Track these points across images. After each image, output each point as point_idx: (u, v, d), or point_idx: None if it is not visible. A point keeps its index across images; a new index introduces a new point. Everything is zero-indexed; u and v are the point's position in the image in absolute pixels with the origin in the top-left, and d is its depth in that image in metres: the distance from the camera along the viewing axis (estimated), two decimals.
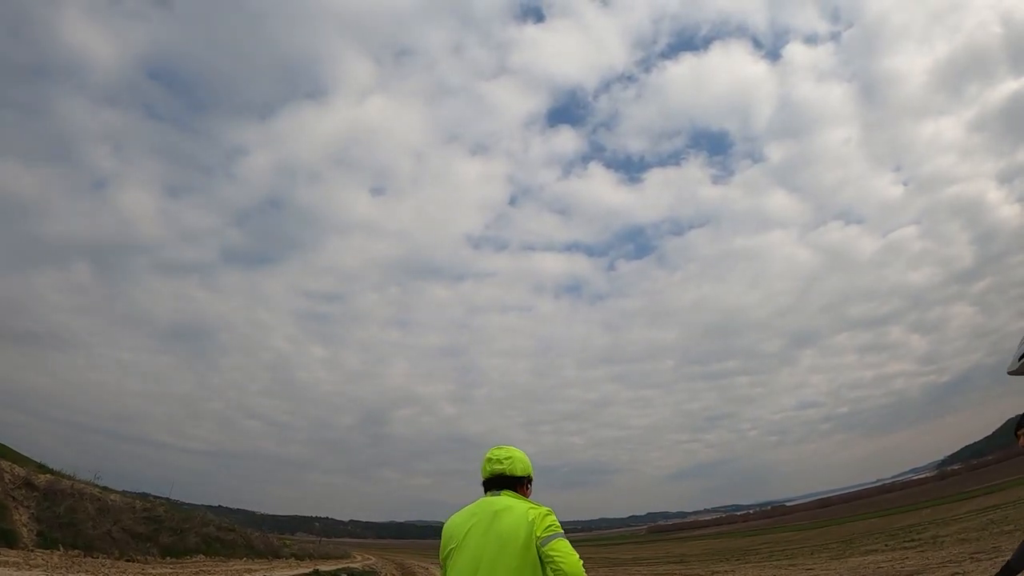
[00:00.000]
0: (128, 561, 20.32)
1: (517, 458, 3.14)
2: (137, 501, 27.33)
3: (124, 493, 28.42)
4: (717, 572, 26.99)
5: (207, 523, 30.64)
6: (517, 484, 3.10)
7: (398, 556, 76.50)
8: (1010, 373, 1.98)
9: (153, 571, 19.99)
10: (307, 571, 28.55)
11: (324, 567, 34.80)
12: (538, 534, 2.77)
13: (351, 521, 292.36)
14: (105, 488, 26.64)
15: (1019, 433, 3.15)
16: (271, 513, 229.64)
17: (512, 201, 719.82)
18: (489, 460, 3.14)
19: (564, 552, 2.71)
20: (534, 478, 3.20)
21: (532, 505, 2.92)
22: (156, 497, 37.25)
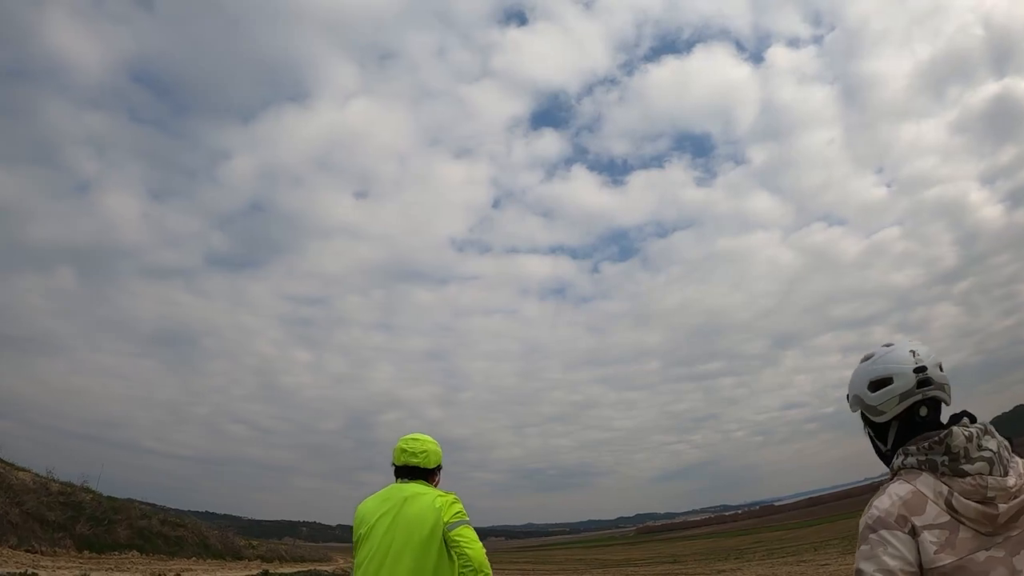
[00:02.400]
0: (28, 552, 16.98)
1: (432, 451, 3.26)
2: (53, 483, 23.64)
3: (46, 476, 24.56)
4: (723, 571, 25.04)
5: (146, 515, 26.89)
6: (428, 475, 3.24)
7: None
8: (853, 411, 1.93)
9: (51, 563, 16.48)
10: (253, 573, 25.78)
11: (285, 569, 32.29)
12: (445, 519, 2.96)
13: (339, 526, 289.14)
14: (10, 464, 23.35)
15: None
16: (257, 518, 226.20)
17: (496, 204, 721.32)
18: (404, 451, 3.23)
19: (469, 538, 2.94)
20: (443, 467, 3.34)
21: (440, 493, 3.10)
22: (142, 502, 34.35)
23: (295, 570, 32.94)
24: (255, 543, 41.10)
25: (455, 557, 2.92)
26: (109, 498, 25.60)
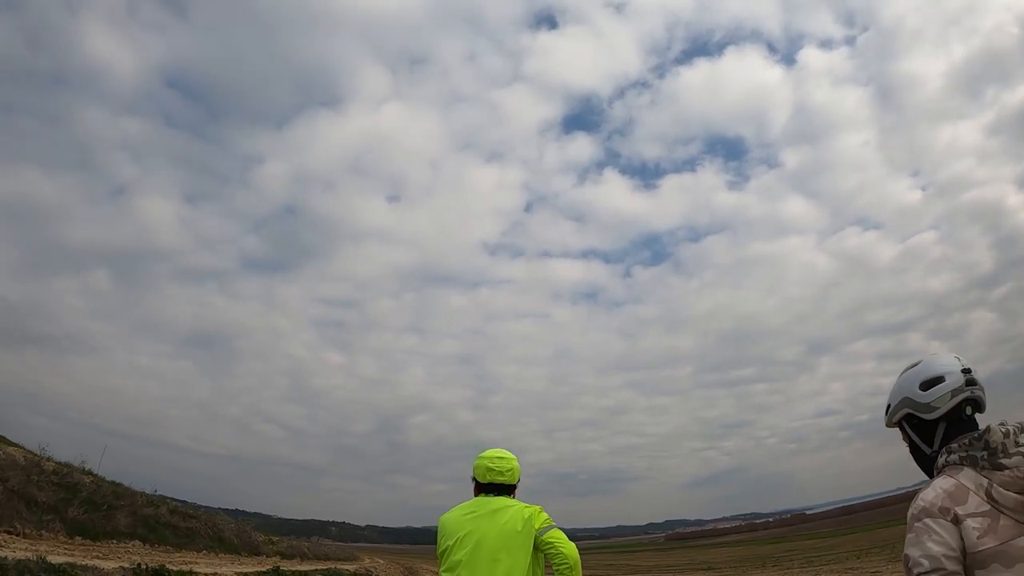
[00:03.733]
0: (7, 533, 15.43)
1: (516, 468, 3.42)
2: (48, 462, 22.03)
3: (39, 454, 22.91)
4: None
5: (153, 504, 25.07)
6: (512, 490, 3.42)
7: (408, 560, 74.59)
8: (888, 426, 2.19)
9: (29, 546, 14.54)
10: (263, 569, 24.20)
11: (304, 567, 31.49)
12: (537, 526, 3.19)
13: (368, 526, 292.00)
14: (2, 438, 22.13)
15: None
16: (288, 517, 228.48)
17: (528, 208, 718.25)
18: (490, 470, 3.38)
19: (562, 539, 3.18)
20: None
21: (526, 505, 3.30)
22: (172, 499, 33.53)
23: (313, 568, 32.08)
24: (275, 539, 40.51)
25: (551, 558, 3.17)
26: (112, 483, 24.30)
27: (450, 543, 3.18)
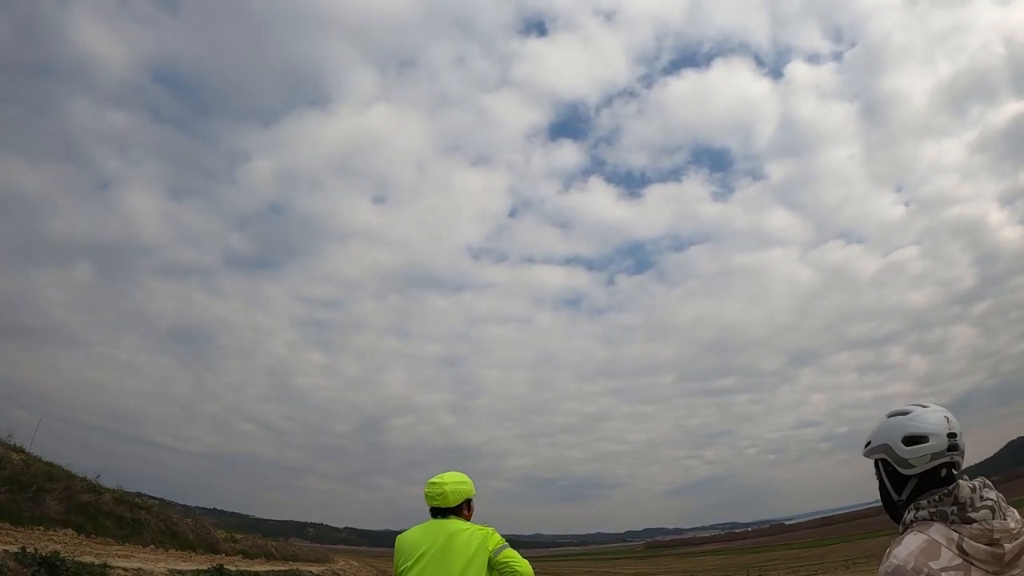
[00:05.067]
0: None
1: (448, 492, 3.50)
2: None
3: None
4: None
5: (94, 490, 22.45)
6: (456, 511, 3.52)
7: (384, 563, 72.97)
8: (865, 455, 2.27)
9: None
10: (203, 567, 21.50)
11: (266, 567, 29.54)
12: (490, 548, 3.31)
13: (346, 528, 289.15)
14: None
15: None
16: (266, 518, 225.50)
17: (512, 213, 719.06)
18: (428, 496, 3.54)
19: (516, 558, 3.32)
20: (475, 497, 3.65)
21: (480, 527, 3.42)
22: (149, 497, 31.14)
23: (272, 568, 30.27)
24: (239, 537, 37.55)
25: None
26: (46, 463, 22.13)
27: (407, 564, 3.31)
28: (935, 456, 2.01)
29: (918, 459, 2.03)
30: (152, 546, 22.80)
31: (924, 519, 1.95)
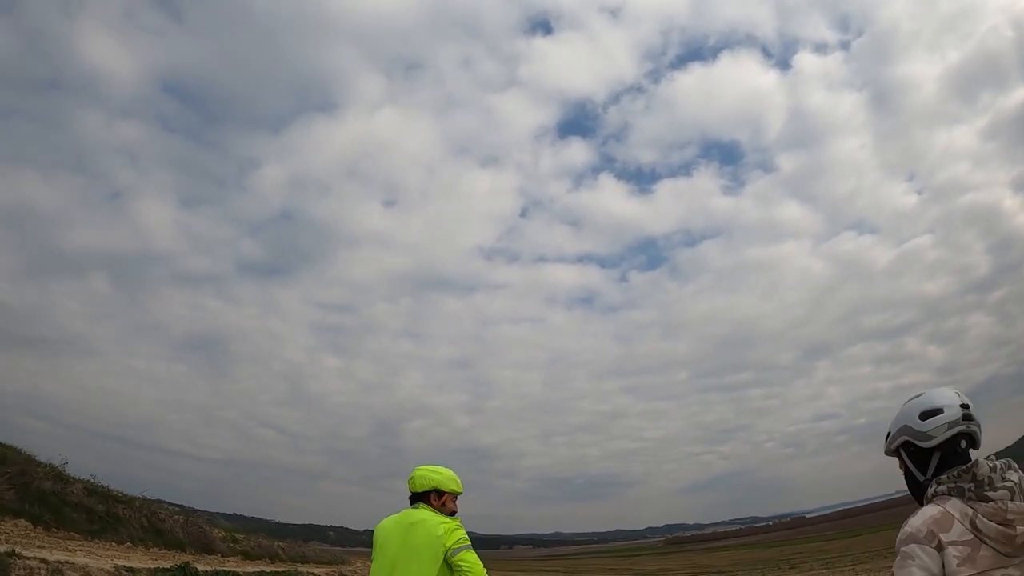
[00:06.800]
0: None
1: (417, 477, 3.63)
2: None
3: None
4: None
5: (63, 479, 20.14)
6: (423, 497, 3.61)
7: None
8: (887, 454, 2.44)
9: None
10: (165, 565, 18.63)
11: (267, 568, 27.61)
12: (447, 544, 3.31)
13: (366, 531, 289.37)
14: None
15: None
16: (286, 522, 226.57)
17: (523, 213, 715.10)
18: (409, 480, 3.68)
19: (471, 562, 3.31)
20: (460, 493, 3.71)
21: (444, 520, 3.45)
22: (169, 503, 30.38)
23: (268, 569, 28.29)
24: (240, 537, 35.44)
25: None
26: (2, 445, 20.07)
27: (375, 552, 3.46)
28: (951, 424, 2.15)
29: (936, 429, 2.16)
30: (128, 544, 20.60)
31: (943, 494, 2.06)
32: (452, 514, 3.61)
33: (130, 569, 15.62)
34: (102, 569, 14.28)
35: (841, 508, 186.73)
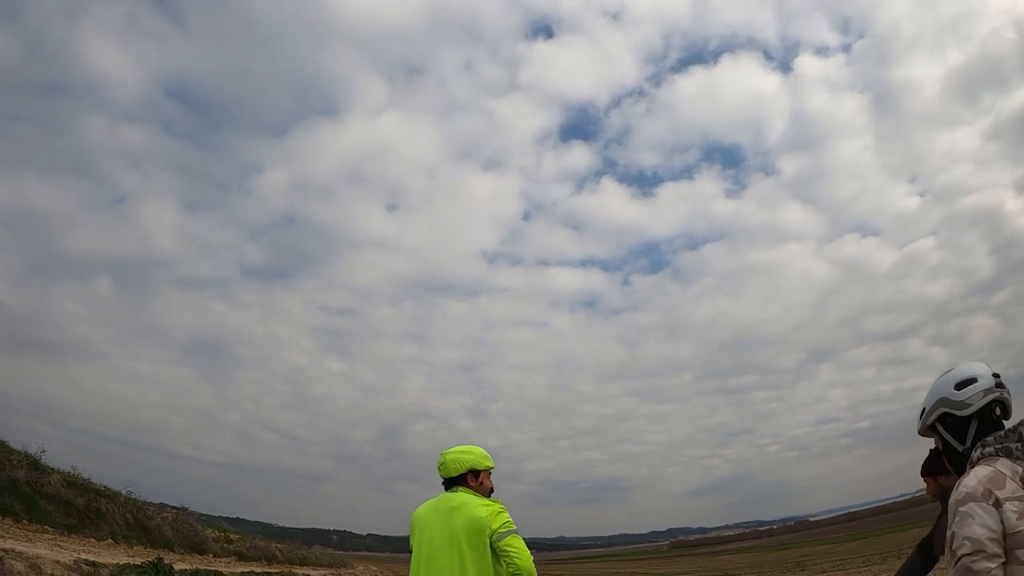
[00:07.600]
0: None
1: (448, 461, 3.45)
2: None
3: None
4: None
5: (40, 470, 18.87)
6: (461, 480, 3.43)
7: (406, 569, 72.94)
8: (920, 434, 2.54)
9: None
10: (136, 561, 16.24)
11: (246, 568, 25.86)
12: (494, 527, 3.14)
13: (369, 535, 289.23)
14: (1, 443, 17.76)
15: (925, 478, 3.54)
16: (290, 526, 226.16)
17: (526, 216, 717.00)
18: (438, 467, 3.50)
19: (518, 548, 3.12)
20: (493, 468, 3.55)
21: (486, 502, 3.29)
22: (171, 507, 29.42)
23: (260, 570, 27.28)
24: (234, 537, 34.68)
25: (506, 565, 3.10)
26: None
27: (415, 539, 3.30)
28: (987, 392, 2.21)
29: (972, 397, 2.21)
30: (109, 540, 19.56)
31: (991, 455, 2.08)
32: (490, 491, 3.48)
33: (92, 563, 13.83)
34: (57, 561, 12.55)
35: (845, 511, 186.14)
